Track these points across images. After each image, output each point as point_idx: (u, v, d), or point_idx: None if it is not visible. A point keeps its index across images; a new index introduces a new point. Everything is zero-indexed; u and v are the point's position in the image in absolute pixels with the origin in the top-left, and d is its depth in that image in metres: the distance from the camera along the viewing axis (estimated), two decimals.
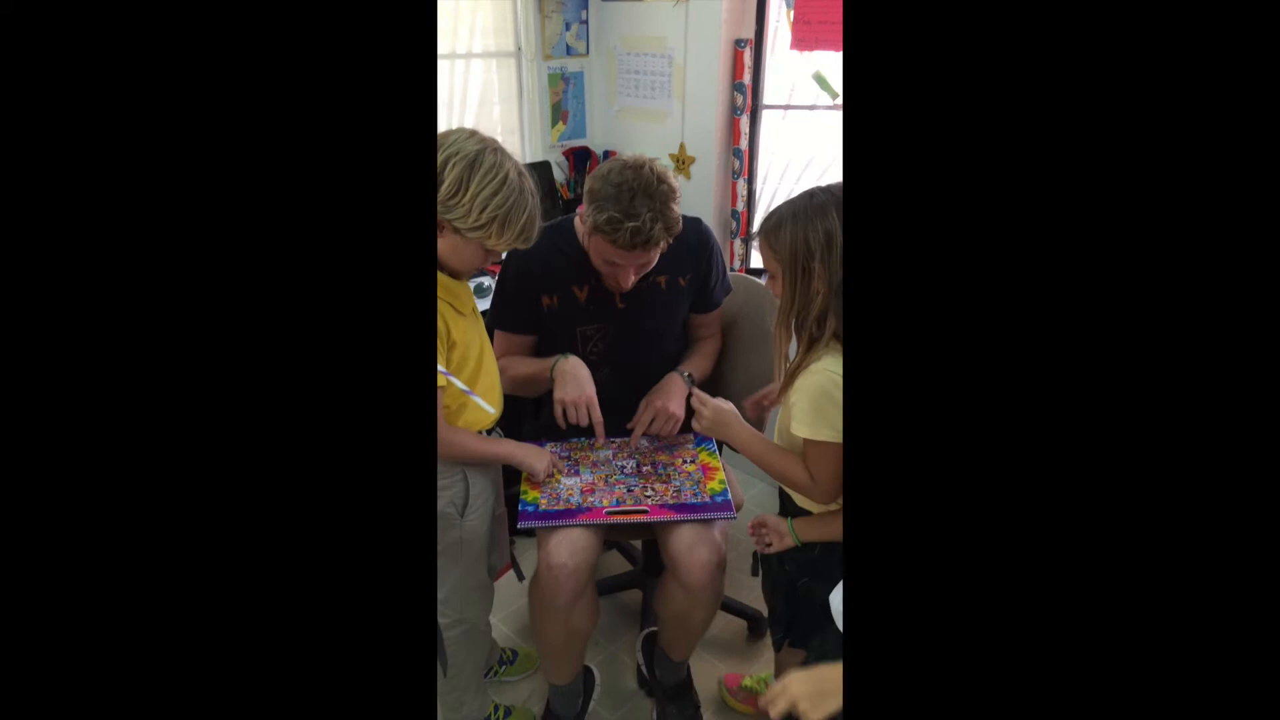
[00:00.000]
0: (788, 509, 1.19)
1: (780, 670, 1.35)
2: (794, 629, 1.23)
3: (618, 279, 1.27)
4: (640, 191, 1.16)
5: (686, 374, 1.41)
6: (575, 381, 1.30)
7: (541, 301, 1.35)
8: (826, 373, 0.99)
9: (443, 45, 2.33)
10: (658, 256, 1.27)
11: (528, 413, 1.56)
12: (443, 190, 1.00)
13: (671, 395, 1.37)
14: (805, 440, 1.03)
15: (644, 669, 1.56)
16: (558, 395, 1.30)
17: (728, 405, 1.18)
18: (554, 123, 2.59)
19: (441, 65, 2.36)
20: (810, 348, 1.02)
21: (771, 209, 1.04)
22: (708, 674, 1.61)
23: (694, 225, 1.39)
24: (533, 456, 1.28)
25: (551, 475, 1.30)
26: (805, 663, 1.24)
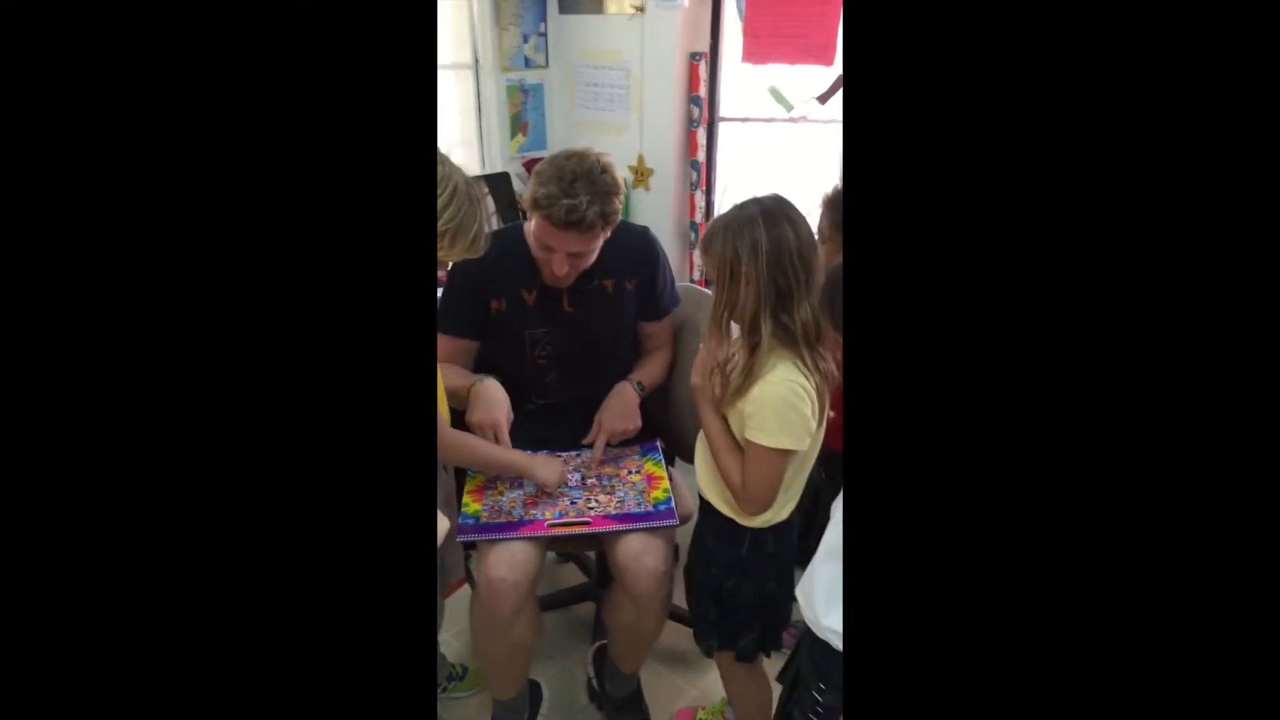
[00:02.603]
0: (707, 523, 1.21)
1: (728, 680, 1.34)
2: (723, 632, 1.24)
3: (553, 268, 1.26)
4: (582, 176, 1.18)
5: (636, 382, 1.41)
6: (485, 405, 1.28)
7: (490, 306, 1.34)
8: (787, 383, 1.02)
9: None
10: (595, 249, 1.27)
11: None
12: None
13: (620, 413, 1.37)
14: (755, 446, 1.04)
15: (594, 682, 1.55)
16: (469, 419, 1.29)
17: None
18: (513, 134, 2.59)
19: None
20: (753, 351, 1.03)
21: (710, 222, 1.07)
22: (659, 685, 1.60)
23: (640, 232, 1.41)
24: (543, 467, 1.27)
25: (560, 487, 1.29)
26: (738, 660, 1.25)
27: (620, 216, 1.26)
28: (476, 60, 2.47)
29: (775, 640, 1.24)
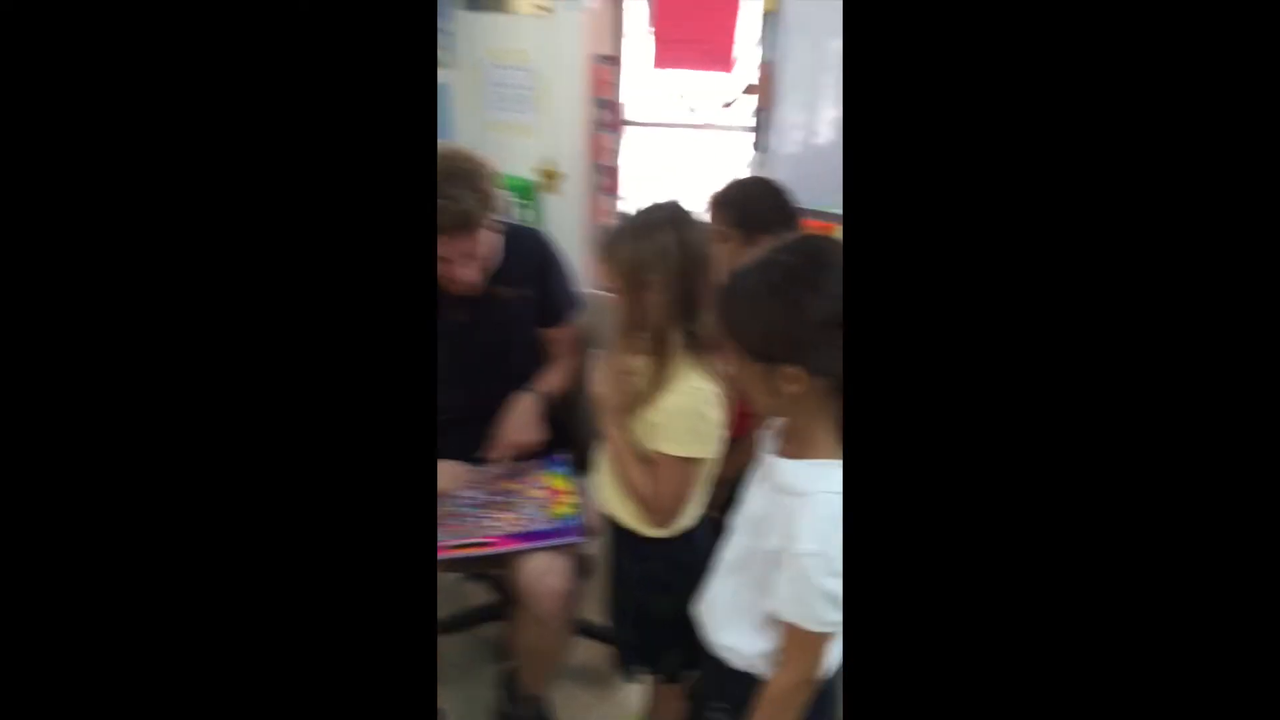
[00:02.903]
0: (614, 539, 1.18)
1: (656, 702, 1.31)
2: (644, 652, 1.21)
3: (454, 274, 1.21)
4: (452, 175, 1.14)
5: (537, 392, 1.37)
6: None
7: None
8: (696, 391, 1.00)
9: None
10: (491, 245, 1.24)
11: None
12: None
13: (519, 425, 1.33)
14: (665, 457, 1.02)
15: (502, 704, 1.49)
16: None
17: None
18: None
19: None
20: (661, 360, 1.00)
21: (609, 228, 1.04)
22: (570, 704, 1.56)
23: (532, 236, 1.38)
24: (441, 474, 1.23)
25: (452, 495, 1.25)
26: (662, 681, 1.22)
27: (502, 205, 1.23)
28: None
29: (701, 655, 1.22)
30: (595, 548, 1.28)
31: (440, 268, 1.21)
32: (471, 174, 1.15)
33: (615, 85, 2.25)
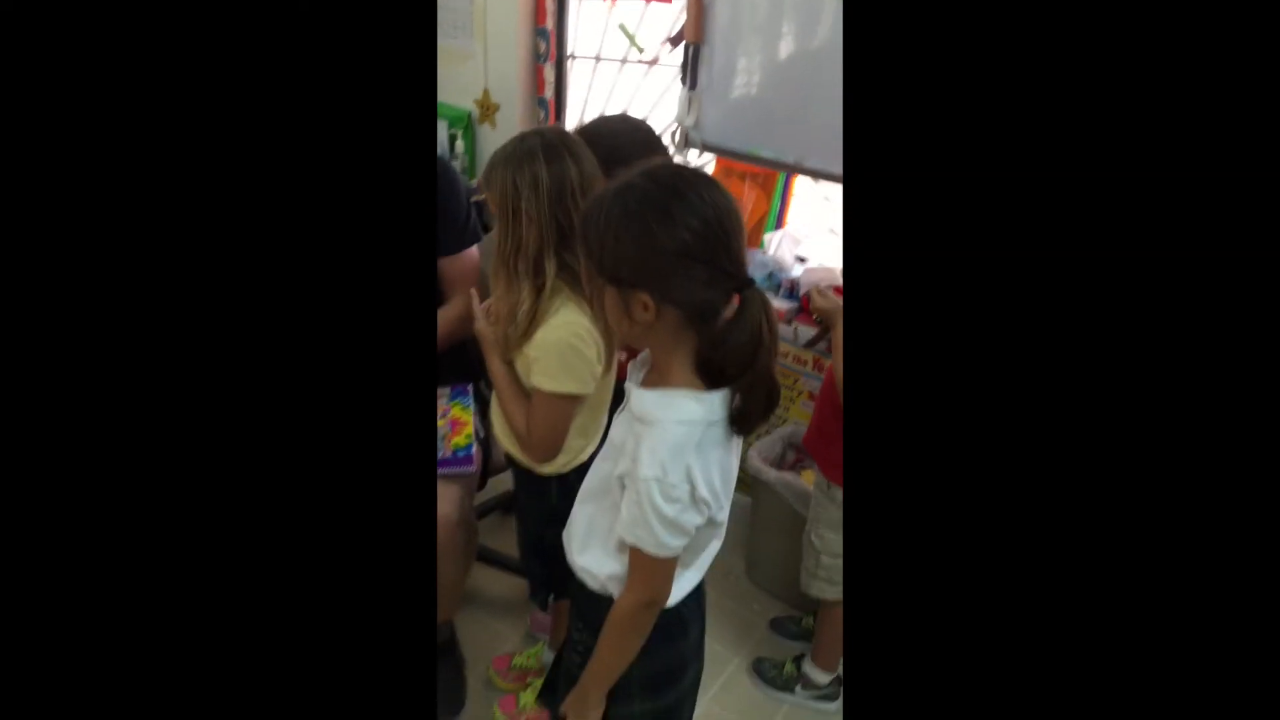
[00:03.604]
0: (515, 476, 1.19)
1: (557, 636, 1.33)
2: (555, 583, 1.23)
3: None
4: None
5: None
6: None
7: None
8: (569, 325, 1.00)
9: None
10: None
11: None
12: None
13: None
14: (540, 392, 1.02)
15: None
16: None
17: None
18: None
19: None
20: (538, 294, 1.00)
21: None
22: (480, 633, 1.59)
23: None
24: None
25: None
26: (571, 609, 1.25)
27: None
28: None
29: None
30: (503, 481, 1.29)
31: None
32: None
33: (557, 15, 2.18)
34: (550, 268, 0.98)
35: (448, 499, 1.21)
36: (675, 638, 0.87)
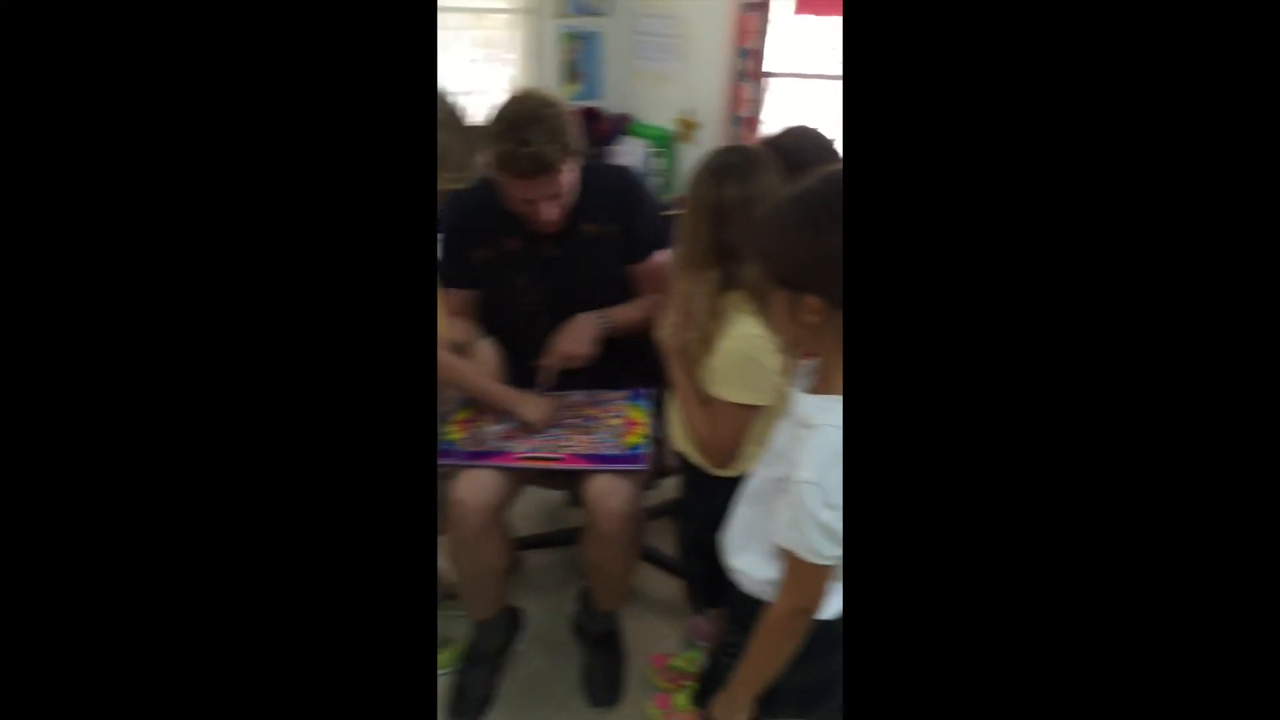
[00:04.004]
0: (685, 476, 1.22)
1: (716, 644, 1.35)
2: (713, 588, 1.25)
3: (538, 214, 1.27)
4: (529, 120, 1.17)
5: (604, 314, 1.40)
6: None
7: (477, 256, 1.37)
8: (749, 337, 1.02)
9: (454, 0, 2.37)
10: (570, 183, 1.27)
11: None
12: None
13: (572, 337, 1.37)
14: (721, 402, 1.05)
15: (580, 619, 1.60)
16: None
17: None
18: (565, 81, 2.59)
19: (452, 19, 2.39)
20: (718, 304, 1.03)
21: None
22: (642, 629, 1.64)
23: (620, 173, 1.41)
24: (528, 405, 1.32)
25: (545, 426, 1.33)
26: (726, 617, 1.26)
27: (579, 145, 1.25)
28: (529, 7, 2.48)
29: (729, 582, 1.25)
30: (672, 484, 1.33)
31: (523, 209, 1.27)
32: (548, 117, 1.19)
33: (760, 34, 2.21)
34: (731, 278, 1.01)
35: (619, 493, 1.26)
36: (830, 651, 0.85)
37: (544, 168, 1.19)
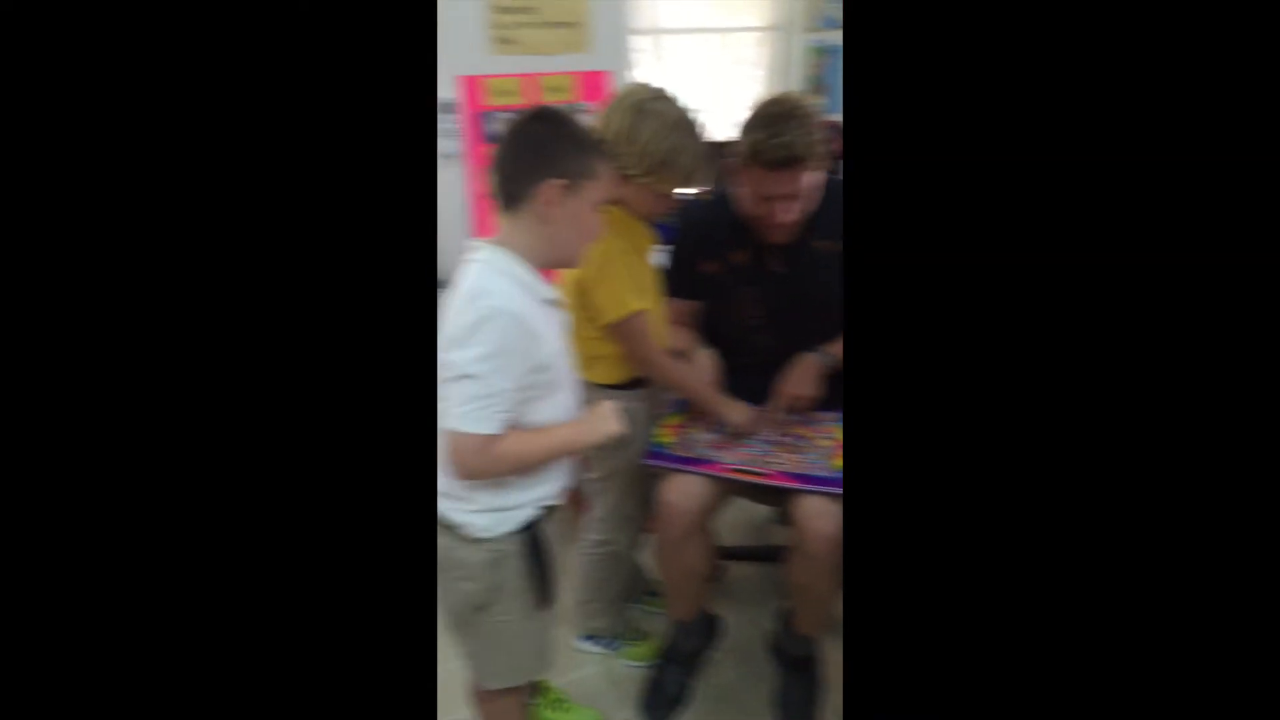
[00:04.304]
0: None
1: None
2: None
3: (774, 216, 1.26)
4: (782, 115, 1.19)
5: (825, 352, 1.39)
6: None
7: (702, 268, 1.41)
8: None
9: (702, 19, 2.46)
10: (812, 189, 1.26)
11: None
12: (610, 137, 1.12)
13: (797, 380, 1.37)
14: None
15: (778, 638, 1.58)
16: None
17: None
18: (811, 95, 2.58)
19: (697, 39, 2.48)
20: None
21: None
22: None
23: None
24: (733, 408, 1.37)
25: (749, 432, 1.37)
26: None
27: (827, 152, 1.25)
28: (779, 23, 2.50)
29: None
30: None
31: (761, 208, 1.28)
32: (801, 116, 1.20)
33: None
34: None
35: (829, 516, 1.23)
36: None
37: (793, 160, 1.19)
